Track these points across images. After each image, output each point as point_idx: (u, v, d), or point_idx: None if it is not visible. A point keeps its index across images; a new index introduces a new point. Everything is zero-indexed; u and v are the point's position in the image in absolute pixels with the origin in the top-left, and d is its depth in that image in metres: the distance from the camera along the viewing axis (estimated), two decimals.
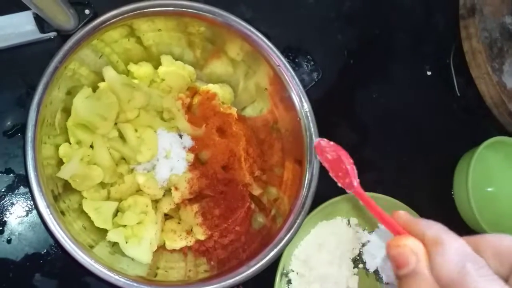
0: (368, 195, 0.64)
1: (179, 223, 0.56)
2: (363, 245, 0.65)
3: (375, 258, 0.65)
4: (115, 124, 0.54)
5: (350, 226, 0.65)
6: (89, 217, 0.51)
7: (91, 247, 0.48)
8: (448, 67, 0.76)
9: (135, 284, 0.45)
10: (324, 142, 0.50)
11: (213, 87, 0.59)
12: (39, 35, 0.56)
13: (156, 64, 0.58)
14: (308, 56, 0.59)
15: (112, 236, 0.51)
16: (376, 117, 0.72)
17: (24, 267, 0.53)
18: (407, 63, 0.75)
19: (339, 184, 0.47)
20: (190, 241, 0.55)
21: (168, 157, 0.55)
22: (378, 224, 0.66)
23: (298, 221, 0.51)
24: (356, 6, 0.73)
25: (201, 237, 0.54)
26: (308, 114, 0.54)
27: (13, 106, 0.56)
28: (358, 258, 0.65)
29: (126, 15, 0.49)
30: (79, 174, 0.50)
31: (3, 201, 0.54)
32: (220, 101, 0.59)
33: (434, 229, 0.32)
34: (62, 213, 0.47)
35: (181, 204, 0.55)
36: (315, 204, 0.56)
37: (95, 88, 0.54)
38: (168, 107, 0.56)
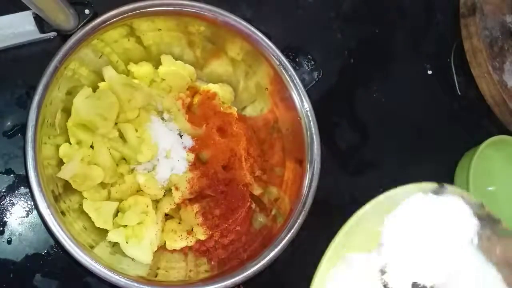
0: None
1: (179, 223, 0.56)
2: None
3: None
4: (116, 124, 0.53)
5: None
6: (89, 217, 0.51)
7: (92, 247, 0.48)
8: (448, 66, 0.76)
9: (135, 284, 0.45)
10: None
11: (213, 87, 0.59)
12: (39, 35, 0.56)
13: (156, 64, 0.58)
14: (309, 56, 0.59)
15: (112, 236, 0.51)
16: (376, 116, 0.71)
17: (25, 267, 0.53)
18: (408, 62, 0.74)
19: None
20: (191, 241, 0.55)
21: (169, 157, 0.55)
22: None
23: (298, 221, 0.51)
24: (356, 5, 0.73)
25: (202, 237, 0.54)
26: (309, 114, 0.54)
27: (13, 106, 0.56)
28: None
29: (126, 15, 0.50)
30: (79, 174, 0.50)
31: (3, 202, 0.54)
32: (221, 100, 0.59)
33: None
34: (63, 213, 0.47)
35: (182, 204, 0.55)
36: (315, 204, 0.56)
37: (95, 88, 0.54)
38: (168, 107, 0.56)
